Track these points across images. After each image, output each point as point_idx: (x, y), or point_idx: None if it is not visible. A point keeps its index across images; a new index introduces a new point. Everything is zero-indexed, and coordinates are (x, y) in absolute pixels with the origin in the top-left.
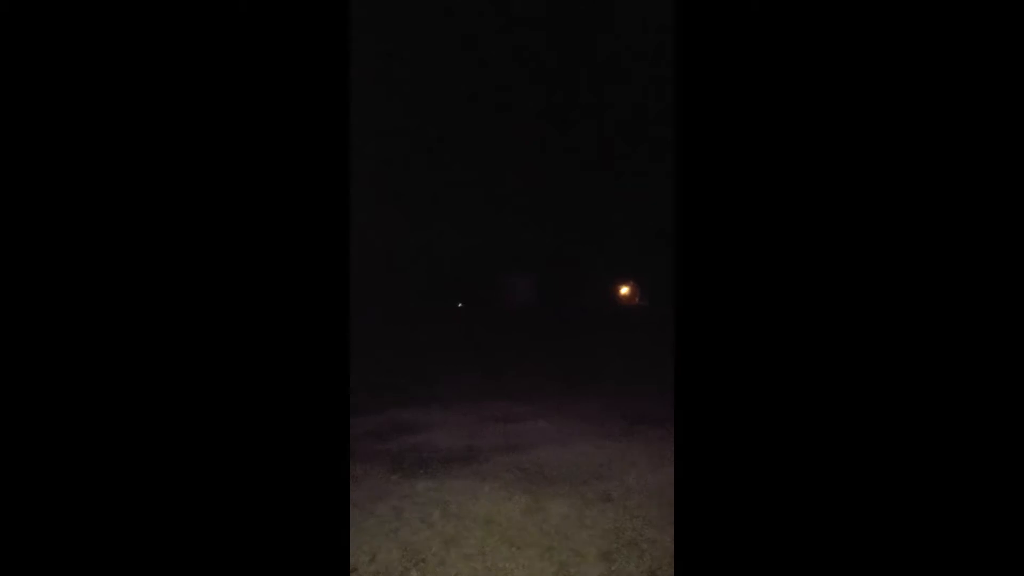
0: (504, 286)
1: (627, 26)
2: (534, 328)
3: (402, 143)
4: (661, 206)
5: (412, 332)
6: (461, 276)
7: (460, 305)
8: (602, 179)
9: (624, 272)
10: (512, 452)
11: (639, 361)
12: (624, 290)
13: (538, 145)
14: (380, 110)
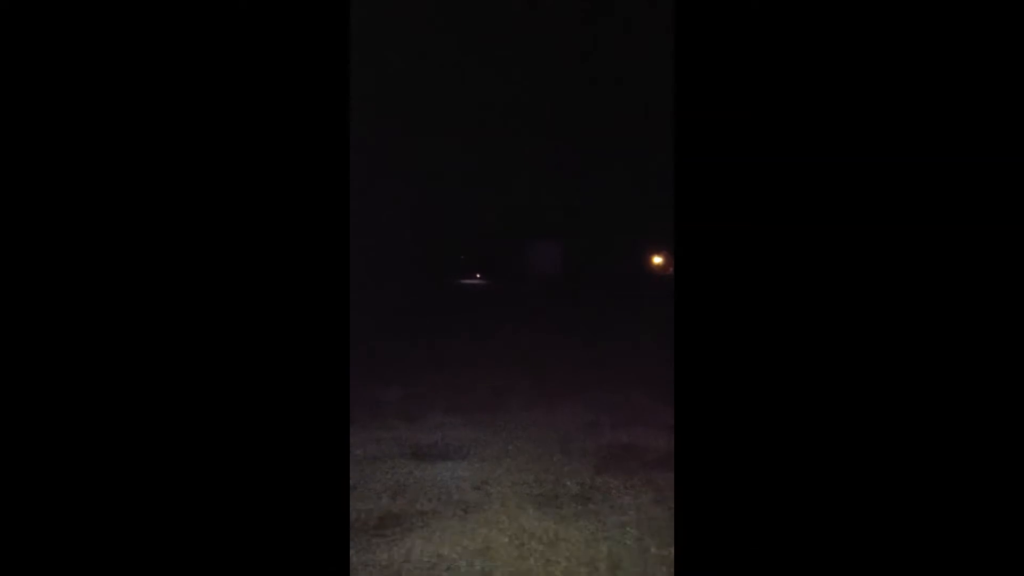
0: (526, 253)
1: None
2: (549, 301)
3: (426, 105)
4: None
5: (411, 306)
6: (483, 241)
7: (462, 257)
8: (636, 140)
9: (659, 239)
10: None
11: (654, 350)
12: (657, 259)
13: (566, 105)
14: (400, 74)
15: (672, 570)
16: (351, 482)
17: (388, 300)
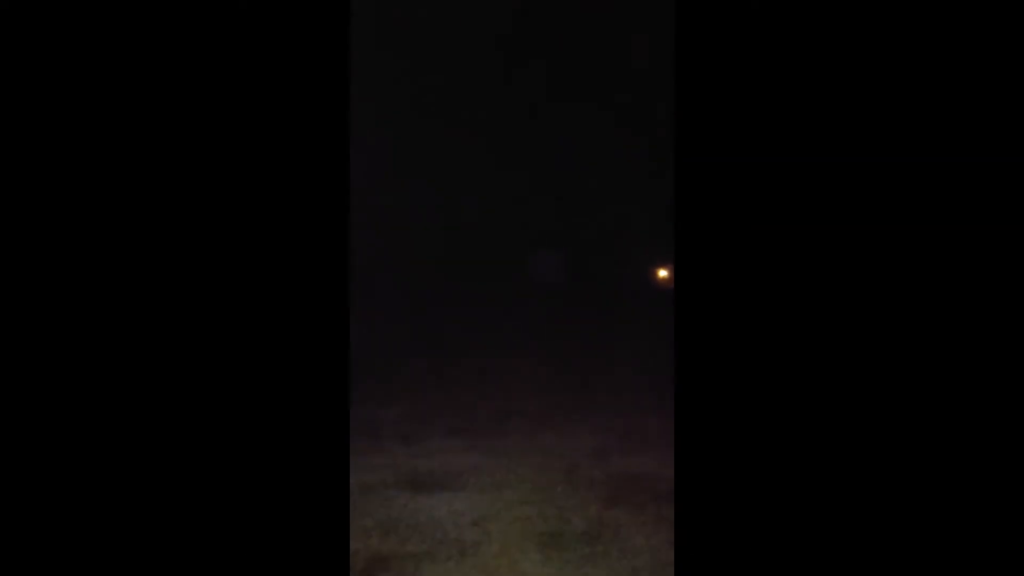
0: (529, 264)
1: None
2: (555, 314)
3: (422, 112)
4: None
5: (413, 320)
6: (485, 253)
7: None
8: (640, 150)
9: (665, 252)
10: None
11: (663, 369)
12: (663, 273)
13: (567, 116)
14: (396, 82)
15: None
16: None
17: (388, 309)
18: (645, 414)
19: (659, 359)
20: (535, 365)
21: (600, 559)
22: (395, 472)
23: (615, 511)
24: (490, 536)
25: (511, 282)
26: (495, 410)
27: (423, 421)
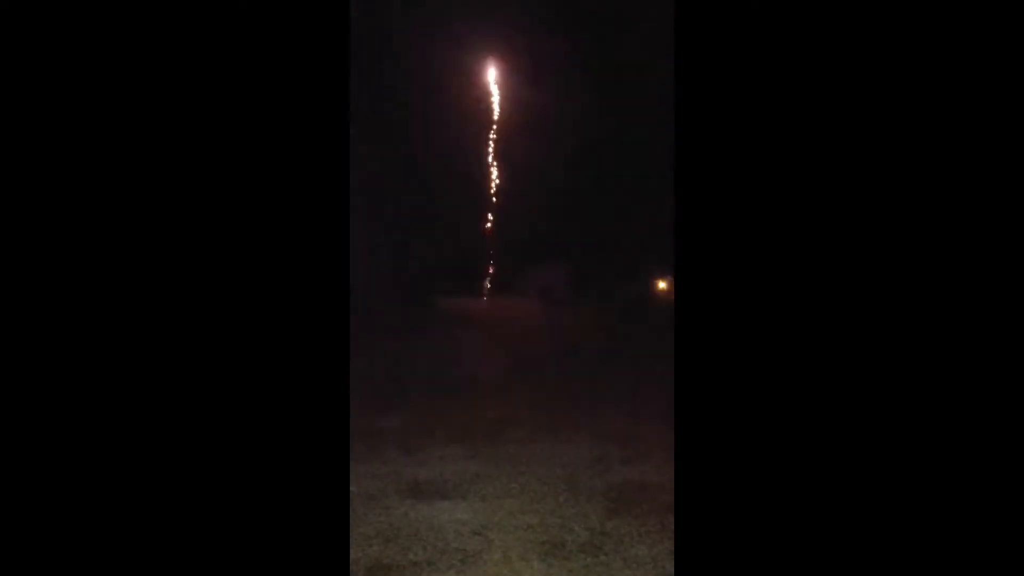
0: (531, 278)
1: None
2: (555, 321)
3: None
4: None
5: (415, 329)
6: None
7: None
8: (646, 163)
9: (665, 264)
10: None
11: (665, 377)
12: (662, 284)
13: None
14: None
15: None
16: None
17: (387, 315)
18: (646, 422)
19: (659, 368)
20: (536, 372)
21: (603, 570)
22: (396, 481)
23: (617, 520)
24: (492, 545)
25: (512, 290)
26: (496, 418)
27: (424, 430)
